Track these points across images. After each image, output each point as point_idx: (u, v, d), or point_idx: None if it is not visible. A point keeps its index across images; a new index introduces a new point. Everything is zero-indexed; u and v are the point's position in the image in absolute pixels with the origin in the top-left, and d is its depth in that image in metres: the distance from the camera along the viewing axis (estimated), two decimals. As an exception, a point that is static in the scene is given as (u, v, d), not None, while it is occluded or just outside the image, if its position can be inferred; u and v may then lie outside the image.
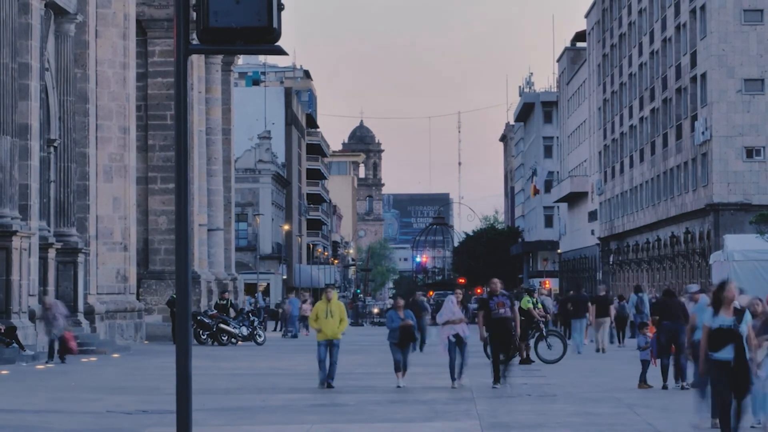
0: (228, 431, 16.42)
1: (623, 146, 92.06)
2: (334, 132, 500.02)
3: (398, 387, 23.42)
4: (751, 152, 65.37)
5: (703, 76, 67.41)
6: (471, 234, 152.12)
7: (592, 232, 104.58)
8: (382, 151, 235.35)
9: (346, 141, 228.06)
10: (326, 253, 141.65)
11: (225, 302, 46.73)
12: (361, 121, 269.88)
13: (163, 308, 49.81)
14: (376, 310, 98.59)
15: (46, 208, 37.31)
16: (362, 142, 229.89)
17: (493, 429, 16.79)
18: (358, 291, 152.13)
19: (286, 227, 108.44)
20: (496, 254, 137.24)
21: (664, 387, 22.98)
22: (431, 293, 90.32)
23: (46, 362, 31.06)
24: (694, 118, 69.45)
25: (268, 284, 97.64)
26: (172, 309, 45.34)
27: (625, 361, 32.25)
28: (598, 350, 36.98)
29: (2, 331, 31.29)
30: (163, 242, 50.96)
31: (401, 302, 25.09)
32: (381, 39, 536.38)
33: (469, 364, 24.64)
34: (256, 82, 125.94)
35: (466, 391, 22.90)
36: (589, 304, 38.30)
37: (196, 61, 53.74)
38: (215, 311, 45.90)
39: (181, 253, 9.35)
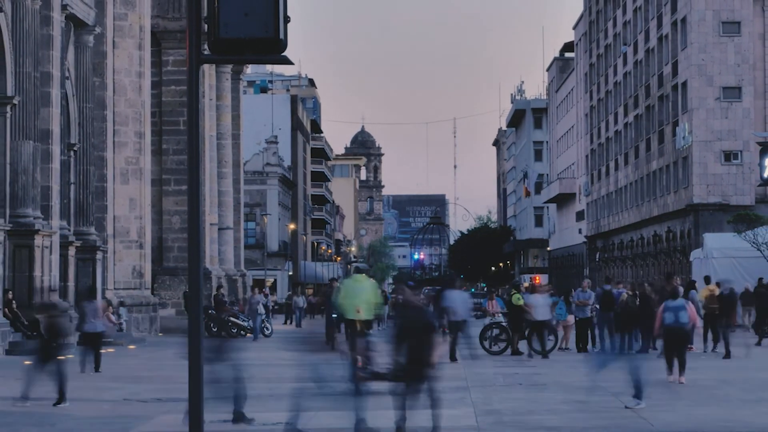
0: (237, 418, 16.39)
1: (609, 150, 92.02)
2: (337, 137, 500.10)
3: None
4: (729, 156, 65.37)
5: (684, 84, 67.40)
6: (466, 233, 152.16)
7: (580, 231, 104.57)
8: (382, 154, 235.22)
9: (349, 145, 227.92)
10: (330, 251, 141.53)
11: (219, 295, 47.01)
12: (363, 126, 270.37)
13: (176, 302, 49.78)
14: None
15: (66, 208, 37.30)
16: (363, 146, 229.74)
17: (487, 416, 16.78)
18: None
19: (292, 226, 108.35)
20: (489, 252, 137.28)
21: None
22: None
23: None
24: (676, 123, 69.45)
25: (275, 280, 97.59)
26: (186, 301, 45.33)
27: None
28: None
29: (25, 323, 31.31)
30: (176, 240, 50.91)
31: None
32: (381, 50, 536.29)
33: (465, 356, 24.67)
34: (263, 90, 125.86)
35: (461, 380, 22.88)
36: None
37: (208, 70, 53.70)
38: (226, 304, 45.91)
39: (194, 250, 9.34)
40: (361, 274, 24.80)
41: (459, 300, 28.64)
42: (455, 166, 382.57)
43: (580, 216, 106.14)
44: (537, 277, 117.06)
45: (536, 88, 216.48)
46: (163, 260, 50.83)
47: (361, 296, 23.46)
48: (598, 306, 33.04)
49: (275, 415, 16.84)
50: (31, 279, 32.51)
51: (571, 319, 35.04)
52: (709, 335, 33.25)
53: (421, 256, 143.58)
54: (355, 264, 30.78)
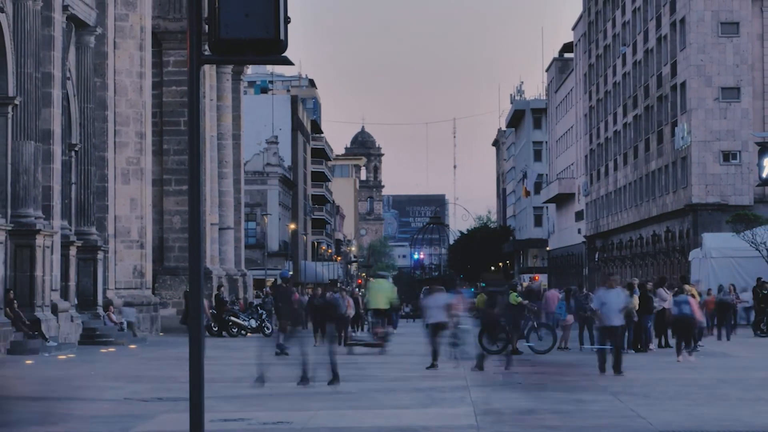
0: (238, 417, 16.41)
1: (608, 150, 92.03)
2: (337, 137, 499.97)
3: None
4: (727, 156, 65.40)
5: (683, 84, 67.41)
6: (465, 232, 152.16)
7: (579, 231, 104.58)
8: (382, 155, 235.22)
9: (349, 145, 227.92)
10: (330, 251, 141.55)
11: (219, 294, 47.03)
12: (363, 126, 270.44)
13: (177, 302, 49.77)
14: None
15: (67, 208, 37.31)
16: (363, 146, 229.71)
17: (486, 415, 16.77)
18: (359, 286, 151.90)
19: (292, 226, 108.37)
20: (489, 252, 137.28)
21: None
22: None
23: None
24: (675, 124, 69.47)
25: (275, 279, 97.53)
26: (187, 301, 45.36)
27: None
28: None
29: (27, 323, 31.32)
30: (177, 240, 50.91)
31: None
32: (381, 50, 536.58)
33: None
34: (264, 91, 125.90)
35: (461, 379, 22.89)
36: None
37: (208, 70, 53.69)
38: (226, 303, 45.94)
39: (194, 250, 9.35)
40: (382, 278, 36.33)
41: (615, 301, 23.93)
42: (455, 166, 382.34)
43: (579, 216, 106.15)
44: (537, 277, 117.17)
45: (536, 89, 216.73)
46: (164, 260, 50.83)
47: (383, 292, 33.35)
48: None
49: (276, 415, 16.84)
50: (33, 279, 32.52)
51: (570, 318, 35.11)
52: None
53: (421, 256, 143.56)
54: (378, 271, 46.98)
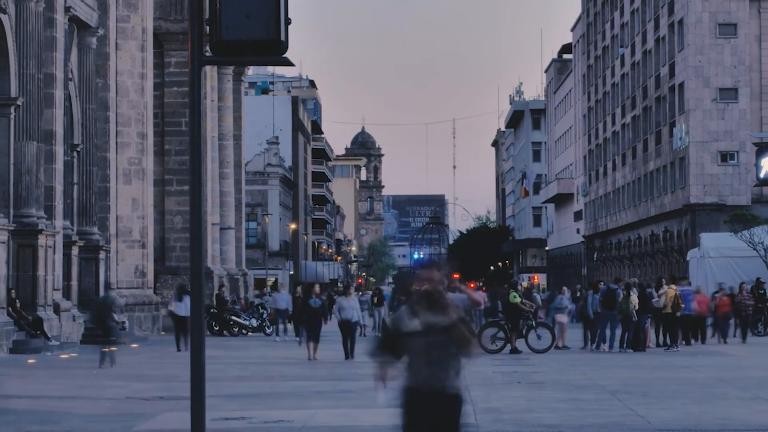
0: (239, 416, 16.41)
1: (606, 151, 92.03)
2: (337, 138, 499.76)
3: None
4: (725, 156, 65.40)
5: (681, 85, 67.42)
6: (465, 232, 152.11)
7: (578, 231, 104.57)
8: (382, 155, 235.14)
9: (349, 146, 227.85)
10: (330, 251, 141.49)
11: (221, 294, 47.00)
12: (363, 127, 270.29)
13: (178, 302, 49.70)
14: None
15: (69, 208, 37.30)
16: (364, 147, 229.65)
17: (486, 414, 16.77)
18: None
19: (293, 226, 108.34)
20: (488, 251, 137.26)
21: None
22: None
23: None
24: (673, 124, 69.49)
25: (276, 279, 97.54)
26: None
27: (614, 352, 32.27)
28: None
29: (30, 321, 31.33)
30: (178, 240, 50.88)
31: None
32: (381, 50, 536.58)
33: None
34: (265, 91, 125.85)
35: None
36: None
37: (209, 71, 53.65)
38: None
39: (195, 250, 9.34)
40: None
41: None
42: (454, 167, 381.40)
43: (578, 216, 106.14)
44: (536, 277, 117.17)
45: (535, 90, 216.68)
46: (166, 260, 50.80)
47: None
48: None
49: (276, 413, 16.84)
50: (35, 278, 32.51)
51: (564, 318, 35.14)
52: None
53: (421, 256, 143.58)
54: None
